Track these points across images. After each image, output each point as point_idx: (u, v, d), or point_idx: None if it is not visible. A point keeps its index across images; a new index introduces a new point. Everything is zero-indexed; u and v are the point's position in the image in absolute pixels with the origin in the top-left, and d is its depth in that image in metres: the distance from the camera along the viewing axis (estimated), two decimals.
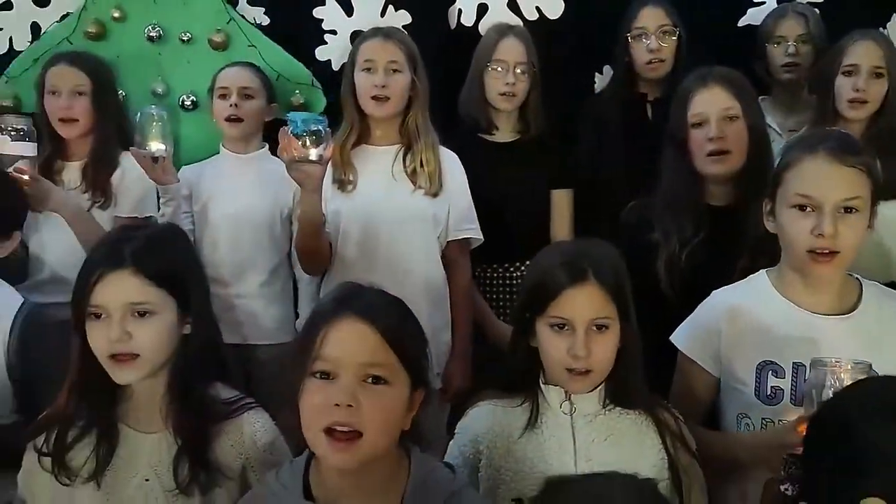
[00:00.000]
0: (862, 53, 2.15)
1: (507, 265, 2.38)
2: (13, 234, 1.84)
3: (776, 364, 1.53)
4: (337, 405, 1.10)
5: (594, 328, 1.40)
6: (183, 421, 1.33)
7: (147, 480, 1.33)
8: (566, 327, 1.40)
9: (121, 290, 1.29)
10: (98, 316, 1.30)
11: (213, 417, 1.35)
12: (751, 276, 1.65)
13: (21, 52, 2.56)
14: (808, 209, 1.49)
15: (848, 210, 1.48)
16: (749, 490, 1.53)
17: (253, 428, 1.37)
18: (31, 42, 2.57)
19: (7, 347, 1.72)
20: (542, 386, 1.46)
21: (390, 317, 1.17)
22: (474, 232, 2.23)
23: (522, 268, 2.37)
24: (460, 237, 2.22)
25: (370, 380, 1.12)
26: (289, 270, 2.39)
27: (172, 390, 1.34)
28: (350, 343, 1.13)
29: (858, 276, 1.60)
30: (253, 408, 1.39)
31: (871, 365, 1.31)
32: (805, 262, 1.51)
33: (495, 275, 2.39)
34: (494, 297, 2.39)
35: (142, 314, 1.30)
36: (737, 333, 1.57)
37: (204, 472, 1.32)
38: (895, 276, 2.08)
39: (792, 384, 1.50)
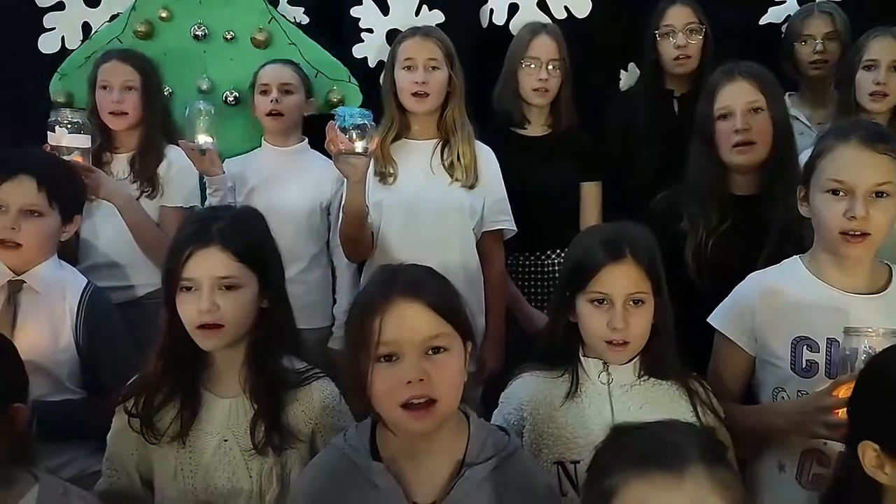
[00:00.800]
0: (881, 48, 2.24)
1: (538, 253, 2.48)
2: (74, 219, 1.94)
3: (811, 339, 1.61)
4: (409, 382, 1.19)
5: (631, 302, 1.50)
6: (259, 387, 1.44)
7: (226, 441, 1.45)
8: (605, 302, 1.51)
9: (210, 264, 1.41)
10: (189, 289, 1.42)
11: (287, 385, 1.46)
12: (784, 260, 1.73)
13: (73, 50, 2.68)
14: (842, 193, 1.57)
15: (879, 195, 1.55)
16: (785, 460, 1.63)
17: (322, 395, 1.48)
18: (83, 41, 2.69)
19: (76, 326, 1.83)
20: (581, 359, 1.57)
21: (433, 288, 1.26)
22: (508, 223, 2.32)
23: (553, 256, 2.47)
24: (495, 228, 2.31)
25: (431, 351, 1.21)
26: (327, 258, 2.48)
27: (250, 359, 1.46)
28: (407, 323, 1.21)
29: (889, 263, 1.68)
30: (321, 377, 1.50)
31: None
32: (838, 243, 1.59)
33: (527, 262, 2.49)
34: (526, 284, 2.48)
35: (228, 287, 1.42)
36: (771, 311, 1.66)
37: (277, 434, 1.43)
38: None
39: (826, 358, 1.58)
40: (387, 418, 1.24)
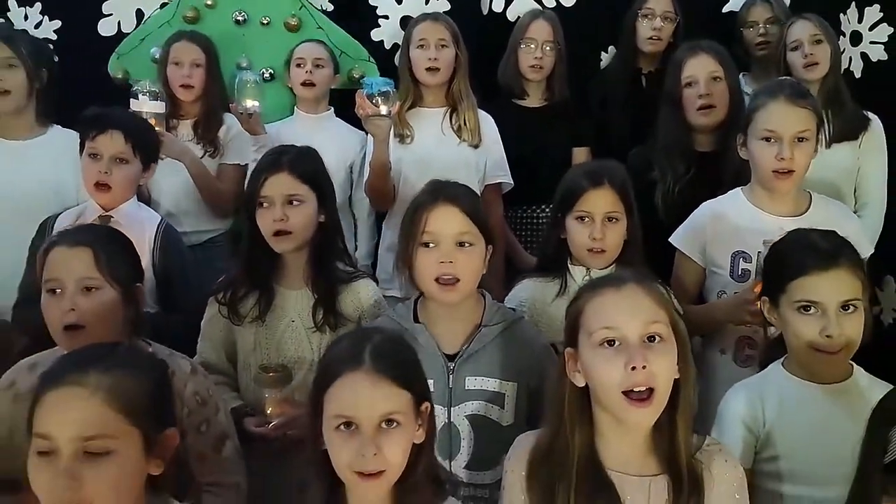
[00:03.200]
0: (800, 30, 2.61)
1: (533, 207, 2.86)
2: (151, 167, 2.31)
3: (745, 252, 2.03)
4: (442, 262, 1.62)
5: (608, 219, 1.91)
6: (318, 281, 1.86)
7: (293, 321, 1.86)
8: (587, 219, 1.92)
9: (280, 184, 1.82)
10: (262, 204, 1.82)
11: (339, 281, 1.88)
12: (729, 192, 2.15)
13: (128, 34, 3.03)
14: (772, 140, 1.99)
15: (801, 140, 1.98)
16: (724, 346, 2.07)
17: (367, 290, 1.90)
18: (136, 26, 3.05)
19: (152, 252, 2.21)
20: (569, 266, 1.98)
21: (467, 199, 1.70)
22: (506, 177, 2.71)
23: (547, 210, 2.83)
24: (495, 181, 2.70)
25: (460, 245, 1.64)
26: (350, 211, 2.85)
27: (312, 260, 1.87)
28: (446, 221, 1.65)
29: (809, 191, 2.11)
30: (365, 277, 1.92)
31: None
32: (770, 179, 2.01)
33: (524, 215, 2.88)
34: (523, 233, 2.87)
35: (294, 203, 1.82)
36: (717, 231, 2.08)
37: (332, 316, 1.85)
38: None
39: (756, 267, 1.98)
40: (424, 290, 1.67)
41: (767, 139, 2.00)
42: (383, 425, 1.25)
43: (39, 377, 1.23)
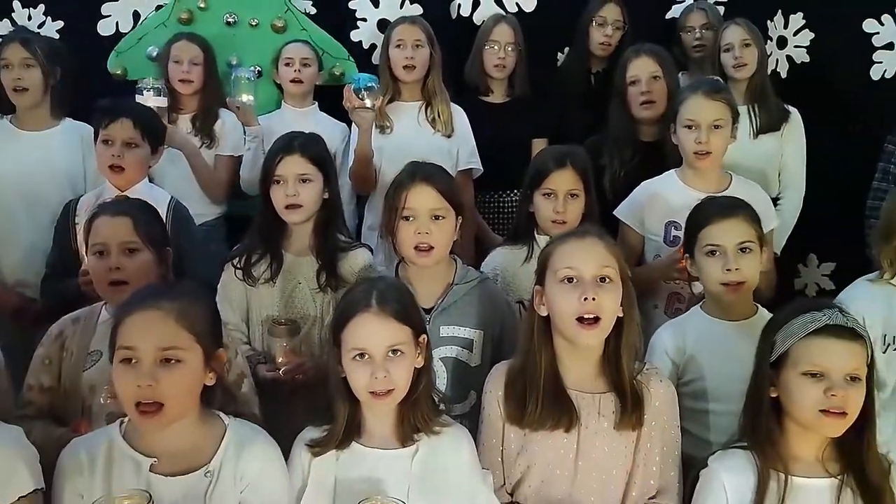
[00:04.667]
0: (731, 34, 2.97)
1: (500, 192, 3.17)
2: (159, 150, 2.54)
3: (676, 222, 2.39)
4: (419, 233, 1.94)
5: (569, 196, 2.26)
6: (321, 248, 2.16)
7: (299, 283, 2.16)
8: (551, 195, 2.26)
9: (292, 164, 2.11)
10: (278, 182, 2.12)
11: (339, 249, 2.18)
12: (665, 173, 2.54)
13: (126, 34, 3.27)
14: (693, 127, 2.37)
15: (717, 127, 2.37)
16: (657, 301, 2.44)
17: (363, 257, 2.20)
18: (134, 26, 3.29)
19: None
20: (536, 236, 2.32)
21: (440, 178, 2.02)
22: (476, 164, 3.03)
23: (511, 195, 3.16)
24: (466, 168, 3.02)
25: (435, 218, 1.96)
26: None
27: (316, 230, 2.17)
28: (422, 198, 1.96)
29: (731, 173, 2.49)
30: (362, 247, 2.24)
31: None
32: (692, 160, 2.41)
33: (490, 200, 3.19)
34: (490, 216, 3.19)
35: (305, 181, 2.12)
36: (653, 205, 2.47)
37: (333, 280, 2.14)
38: (772, 193, 2.94)
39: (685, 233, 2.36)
40: (404, 256, 1.99)
41: (689, 126, 2.40)
42: (390, 354, 1.56)
43: (118, 306, 1.53)
